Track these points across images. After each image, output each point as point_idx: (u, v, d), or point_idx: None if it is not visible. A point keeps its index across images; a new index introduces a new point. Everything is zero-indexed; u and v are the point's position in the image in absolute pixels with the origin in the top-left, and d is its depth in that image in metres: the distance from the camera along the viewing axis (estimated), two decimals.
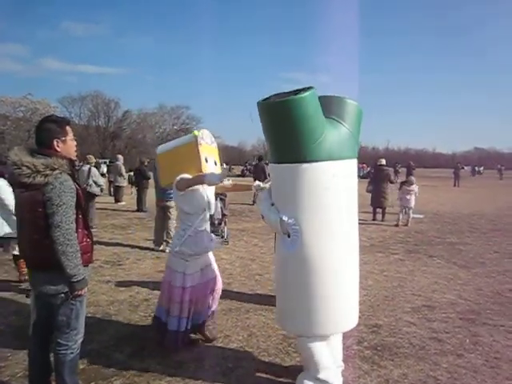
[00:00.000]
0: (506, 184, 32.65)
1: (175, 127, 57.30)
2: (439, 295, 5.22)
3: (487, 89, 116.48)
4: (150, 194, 11.06)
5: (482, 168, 44.77)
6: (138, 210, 13.14)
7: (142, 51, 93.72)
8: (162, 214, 7.92)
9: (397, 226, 10.71)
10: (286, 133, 2.67)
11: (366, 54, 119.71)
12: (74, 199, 2.44)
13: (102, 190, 10.67)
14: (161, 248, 7.82)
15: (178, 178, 3.52)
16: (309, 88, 2.64)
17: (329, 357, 2.92)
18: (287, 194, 2.78)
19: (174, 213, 7.83)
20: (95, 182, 10.14)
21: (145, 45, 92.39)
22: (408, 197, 11.09)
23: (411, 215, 11.12)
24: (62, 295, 2.51)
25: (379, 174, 11.97)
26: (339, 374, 3.06)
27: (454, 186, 27.81)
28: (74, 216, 2.43)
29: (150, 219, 9.96)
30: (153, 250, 7.75)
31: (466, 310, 4.73)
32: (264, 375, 3.28)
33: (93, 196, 10.23)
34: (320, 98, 2.69)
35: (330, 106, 2.81)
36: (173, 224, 7.83)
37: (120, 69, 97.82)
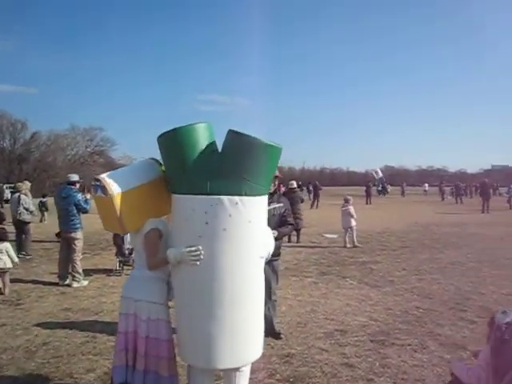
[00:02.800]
0: (410, 200, 35.15)
1: (88, 149, 55.12)
2: (351, 318, 5.27)
3: (397, 109, 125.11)
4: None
5: (388, 186, 44.91)
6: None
7: (55, 70, 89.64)
8: (67, 245, 7.37)
9: (345, 247, 10.91)
10: (164, 163, 2.86)
11: (281, 76, 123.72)
12: None
13: (34, 215, 10.41)
14: (66, 282, 7.25)
15: (148, 229, 2.94)
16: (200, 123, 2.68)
17: None
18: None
19: (79, 244, 7.34)
20: (26, 209, 9.87)
21: (57, 63, 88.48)
22: (346, 217, 11.31)
23: (354, 235, 11.20)
24: None
25: (291, 197, 12.12)
26: None
27: (367, 203, 29.23)
28: None
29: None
30: (57, 284, 7.17)
31: (376, 331, 4.80)
32: None
33: (25, 223, 9.97)
34: (228, 133, 2.67)
35: (229, 142, 2.69)
36: (78, 256, 7.32)
37: (30, 88, 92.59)
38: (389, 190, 41.41)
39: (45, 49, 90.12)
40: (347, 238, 11.12)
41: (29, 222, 10.22)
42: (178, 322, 2.83)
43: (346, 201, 11.59)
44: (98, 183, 2.98)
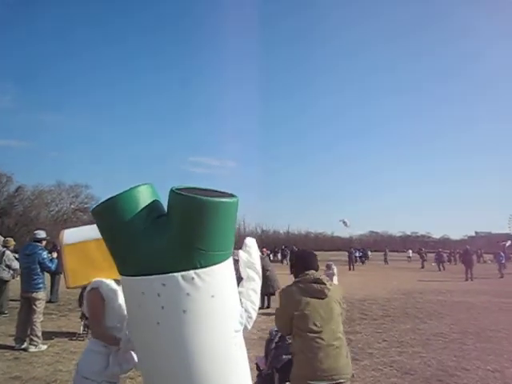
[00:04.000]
0: (394, 266, 34.84)
1: (72, 206, 54.60)
2: None
3: (382, 174, 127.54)
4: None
5: (368, 253, 43.09)
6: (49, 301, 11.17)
7: (46, 126, 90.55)
8: (27, 306, 6.92)
9: None
10: (104, 239, 2.42)
11: (269, 140, 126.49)
12: None
13: (13, 277, 9.68)
14: (23, 346, 6.73)
15: (88, 289, 2.75)
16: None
17: None
18: None
19: (40, 305, 6.90)
20: (8, 266, 9.47)
21: (49, 120, 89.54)
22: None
23: None
24: None
25: (264, 262, 12.06)
26: None
27: (349, 269, 28.84)
28: None
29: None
30: (13, 348, 6.65)
31: None
32: None
33: (4, 282, 9.65)
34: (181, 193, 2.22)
35: (172, 206, 2.28)
36: (39, 318, 6.87)
37: (21, 142, 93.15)
38: (369, 255, 40.41)
39: (36, 107, 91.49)
40: None
41: (7, 281, 9.80)
42: None
43: (328, 267, 11.29)
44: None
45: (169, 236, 2.19)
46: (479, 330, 8.75)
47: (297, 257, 3.71)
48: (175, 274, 2.15)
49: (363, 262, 37.28)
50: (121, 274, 2.35)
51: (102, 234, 2.41)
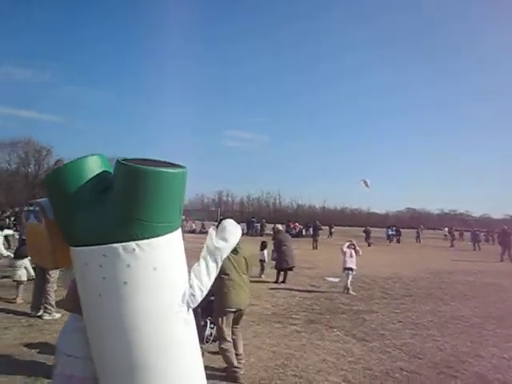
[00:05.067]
0: (427, 245, 33.87)
1: None
2: (322, 377, 4.69)
3: (422, 151, 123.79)
4: None
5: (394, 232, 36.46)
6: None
7: (84, 100, 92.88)
8: (42, 275, 7.03)
9: (348, 293, 10.15)
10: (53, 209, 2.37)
11: (306, 116, 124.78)
12: None
13: None
14: (38, 314, 6.90)
15: None
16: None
17: None
18: None
19: (53, 275, 6.99)
20: None
21: (89, 96, 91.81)
22: (345, 259, 10.57)
23: (349, 280, 10.34)
24: None
25: (278, 238, 12.23)
26: None
27: (368, 246, 28.04)
28: None
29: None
30: (28, 315, 6.82)
31: None
32: None
33: None
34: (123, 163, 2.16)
35: (115, 176, 2.24)
36: (52, 288, 6.97)
37: (59, 116, 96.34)
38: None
39: (74, 82, 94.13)
40: (349, 281, 10.42)
41: None
42: None
43: (350, 244, 10.98)
44: (32, 208, 2.62)
45: (111, 206, 2.16)
46: (503, 315, 8.35)
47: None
48: (116, 244, 2.12)
49: (398, 241, 34.52)
50: (68, 244, 2.31)
51: (50, 203, 2.37)
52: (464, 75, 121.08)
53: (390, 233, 34.83)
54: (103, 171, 2.30)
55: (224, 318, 4.59)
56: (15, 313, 6.96)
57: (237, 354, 4.76)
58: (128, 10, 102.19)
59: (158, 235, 2.19)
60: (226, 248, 2.70)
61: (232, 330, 4.77)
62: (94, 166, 2.27)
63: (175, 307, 2.30)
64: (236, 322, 4.82)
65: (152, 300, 2.20)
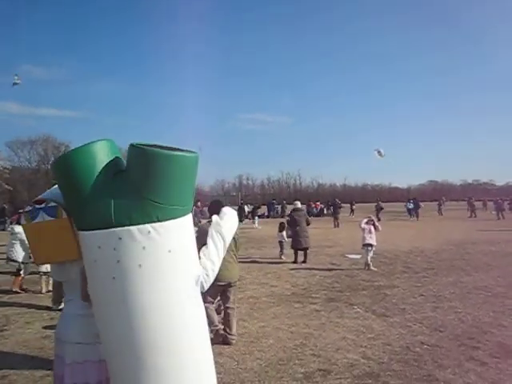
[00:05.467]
0: (449, 217, 33.23)
1: None
2: (341, 355, 4.68)
3: (441, 121, 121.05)
4: None
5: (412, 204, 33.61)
6: None
7: (101, 95, 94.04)
8: None
9: (368, 269, 10.12)
10: (62, 194, 2.38)
11: (325, 96, 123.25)
12: None
13: None
14: (60, 307, 7.04)
15: None
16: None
17: None
18: None
19: None
20: None
21: (104, 89, 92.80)
22: (364, 235, 10.44)
23: (369, 256, 10.30)
24: None
25: (297, 215, 11.98)
26: None
27: (378, 220, 27.60)
28: None
29: None
30: (50, 309, 6.97)
31: (364, 373, 4.20)
32: None
33: None
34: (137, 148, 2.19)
35: (129, 160, 2.26)
36: None
37: (78, 112, 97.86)
38: (422, 206, 34.06)
39: (90, 77, 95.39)
40: (369, 258, 10.36)
41: None
42: (109, 371, 2.37)
43: (368, 220, 10.85)
44: (40, 206, 2.63)
45: (126, 190, 2.16)
46: None
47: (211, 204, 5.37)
48: (131, 227, 2.12)
49: (417, 216, 31.70)
50: (78, 228, 2.30)
51: (60, 188, 2.38)
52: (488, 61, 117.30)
53: (410, 207, 33.33)
54: (114, 155, 2.32)
55: (211, 288, 4.90)
56: (38, 307, 7.13)
57: (229, 334, 5.17)
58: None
59: (172, 218, 2.21)
60: (231, 229, 2.79)
61: (225, 308, 5.33)
62: (103, 150, 2.27)
63: (190, 289, 2.31)
64: (227, 296, 5.32)
65: (167, 282, 2.21)
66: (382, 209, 31.19)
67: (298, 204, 12.75)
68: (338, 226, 24.60)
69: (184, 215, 2.31)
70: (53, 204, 2.57)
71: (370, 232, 10.43)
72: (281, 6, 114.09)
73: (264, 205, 40.05)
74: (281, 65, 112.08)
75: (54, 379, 2.70)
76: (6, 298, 7.91)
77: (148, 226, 2.13)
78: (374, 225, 10.61)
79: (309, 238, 11.75)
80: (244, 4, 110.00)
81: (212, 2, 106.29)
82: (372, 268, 10.14)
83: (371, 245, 10.32)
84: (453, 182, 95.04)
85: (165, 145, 2.29)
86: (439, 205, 37.51)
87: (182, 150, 2.29)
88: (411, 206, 33.00)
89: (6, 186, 42.17)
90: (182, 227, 2.30)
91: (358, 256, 11.93)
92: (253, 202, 46.32)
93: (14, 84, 27.01)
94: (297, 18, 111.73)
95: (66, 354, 2.56)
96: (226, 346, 5.02)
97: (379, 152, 28.49)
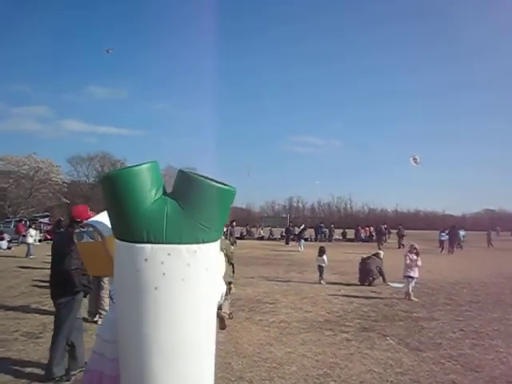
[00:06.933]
0: (502, 248, 30.41)
1: None
2: None
3: (497, 147, 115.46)
4: None
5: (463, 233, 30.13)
6: None
7: (158, 115, 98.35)
8: (98, 282, 7.40)
9: (409, 299, 9.78)
10: (109, 206, 2.64)
11: (373, 119, 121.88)
12: None
13: None
14: (95, 319, 7.27)
15: None
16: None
17: None
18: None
19: (107, 282, 7.33)
20: None
21: (161, 109, 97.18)
22: (406, 266, 10.09)
23: (410, 286, 9.96)
24: None
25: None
26: None
27: (441, 250, 26.29)
28: None
29: None
30: (86, 320, 7.17)
31: None
32: None
33: None
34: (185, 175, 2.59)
35: (181, 186, 2.59)
36: (106, 293, 7.31)
37: (134, 130, 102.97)
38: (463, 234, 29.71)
39: (148, 98, 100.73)
40: (410, 287, 9.97)
41: None
42: (125, 371, 2.59)
43: (411, 248, 10.49)
44: (84, 230, 3.33)
45: (179, 212, 2.46)
46: None
47: None
48: (181, 245, 2.44)
49: (451, 248, 26.09)
50: (120, 239, 2.52)
51: (106, 199, 2.61)
52: None
53: (443, 238, 27.35)
54: (159, 176, 2.60)
55: None
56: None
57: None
58: (193, 23, 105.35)
59: (212, 241, 2.57)
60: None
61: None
62: (154, 171, 2.57)
63: (216, 303, 2.76)
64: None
65: (203, 295, 2.54)
66: (403, 236, 29.78)
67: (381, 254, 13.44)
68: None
69: (218, 239, 2.69)
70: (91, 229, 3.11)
71: (411, 261, 10.06)
72: (348, 27, 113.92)
73: (312, 228, 39.60)
74: (333, 88, 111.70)
75: (84, 376, 3.19)
76: (47, 306, 8.20)
77: (195, 246, 2.47)
78: (417, 253, 10.24)
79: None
80: (291, 18, 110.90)
81: (258, 17, 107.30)
82: (413, 298, 9.76)
83: (411, 277, 9.95)
84: (509, 211, 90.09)
85: (206, 176, 2.62)
86: (488, 235, 33.03)
87: (220, 183, 2.62)
88: (445, 237, 27.29)
89: (64, 200, 44.37)
90: (216, 249, 2.68)
91: (401, 285, 11.48)
92: (302, 224, 46.04)
93: (107, 51, 33.00)
94: (355, 38, 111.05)
95: (109, 352, 2.94)
96: (247, 371, 4.97)
97: (415, 159, 27.21)
